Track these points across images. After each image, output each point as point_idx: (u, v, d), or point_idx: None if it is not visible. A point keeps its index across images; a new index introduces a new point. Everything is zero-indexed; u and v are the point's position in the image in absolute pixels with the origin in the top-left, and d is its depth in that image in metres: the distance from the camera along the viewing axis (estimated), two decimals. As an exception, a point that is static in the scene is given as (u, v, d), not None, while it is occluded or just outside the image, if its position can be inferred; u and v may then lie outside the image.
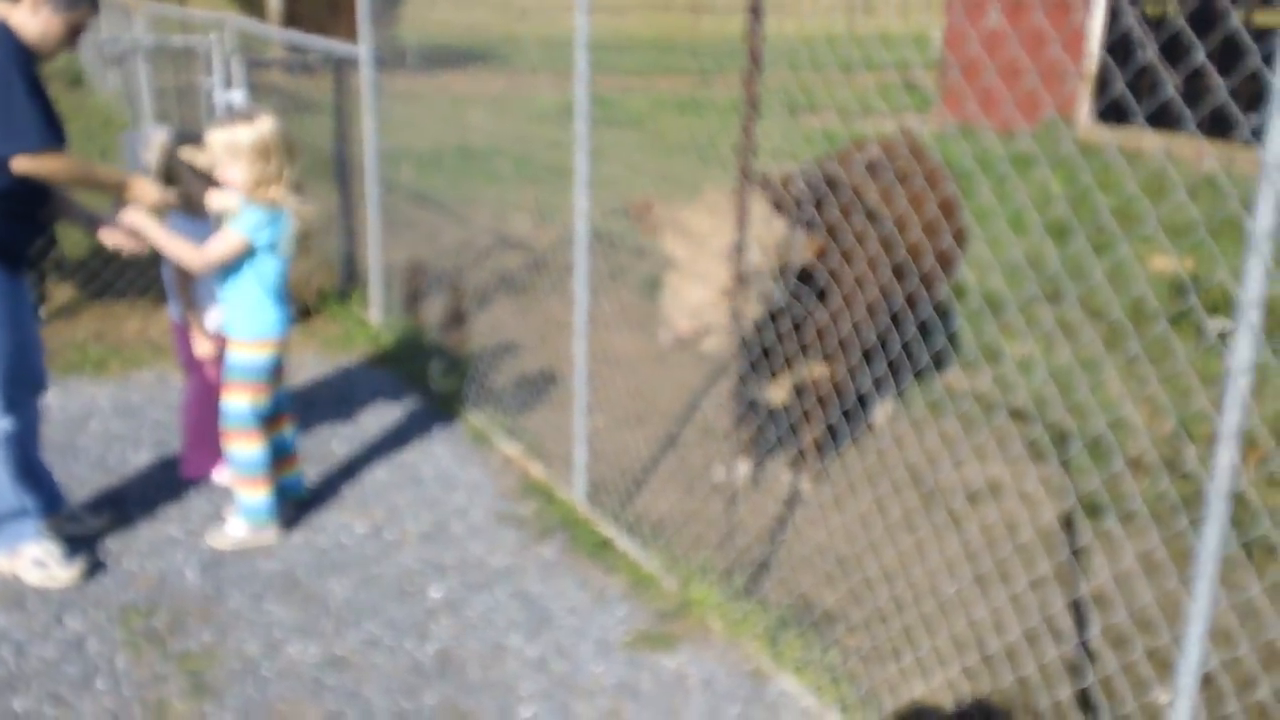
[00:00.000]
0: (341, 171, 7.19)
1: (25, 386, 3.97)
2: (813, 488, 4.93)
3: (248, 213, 4.02)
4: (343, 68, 6.84)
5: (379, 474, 4.98)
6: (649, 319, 5.94)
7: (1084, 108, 12.84)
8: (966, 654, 3.66)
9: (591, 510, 4.63)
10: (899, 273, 4.38)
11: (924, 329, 4.60)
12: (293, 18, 19.10)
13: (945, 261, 4.85)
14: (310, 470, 4.94)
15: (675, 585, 4.07)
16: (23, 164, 3.56)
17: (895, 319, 4.46)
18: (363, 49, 6.23)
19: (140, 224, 4.04)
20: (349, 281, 7.29)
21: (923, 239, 4.44)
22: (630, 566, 4.27)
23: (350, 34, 6.68)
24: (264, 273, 4.11)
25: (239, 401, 4.21)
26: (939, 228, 4.53)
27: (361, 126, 6.49)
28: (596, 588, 4.14)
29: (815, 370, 4.50)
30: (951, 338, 6.27)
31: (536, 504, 4.75)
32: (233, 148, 3.96)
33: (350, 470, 5.00)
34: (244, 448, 4.25)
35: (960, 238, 5.07)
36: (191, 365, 4.68)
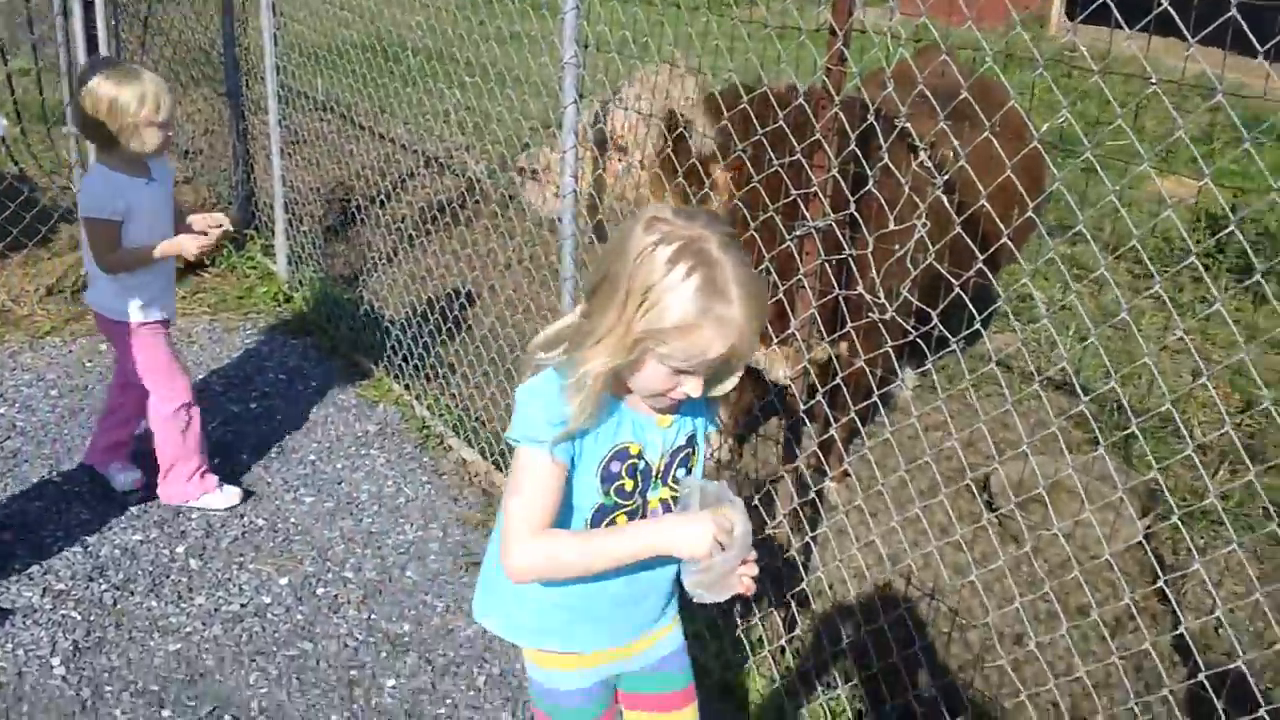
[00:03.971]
0: (233, 80, 5.88)
1: None
2: (841, 491, 4.03)
3: None
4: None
5: (302, 497, 3.91)
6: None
7: (1056, 5, 11.87)
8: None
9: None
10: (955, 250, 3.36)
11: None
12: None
13: (1019, 234, 3.88)
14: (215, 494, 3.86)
15: (713, 662, 3.14)
16: None
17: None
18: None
19: None
20: (248, 221, 6.04)
21: (993, 204, 3.42)
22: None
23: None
24: None
25: None
26: (1016, 189, 3.51)
27: (259, 20, 5.20)
28: (601, 665, 3.19)
29: (839, 347, 3.51)
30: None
31: (508, 534, 3.75)
32: None
33: (264, 494, 3.92)
34: None
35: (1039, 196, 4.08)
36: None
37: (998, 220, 2.64)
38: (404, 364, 4.59)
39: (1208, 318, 5.44)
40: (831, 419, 3.05)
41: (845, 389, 3.09)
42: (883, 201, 2.46)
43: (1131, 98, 8.31)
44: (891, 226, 2.49)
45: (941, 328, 2.61)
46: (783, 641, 3.12)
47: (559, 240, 3.46)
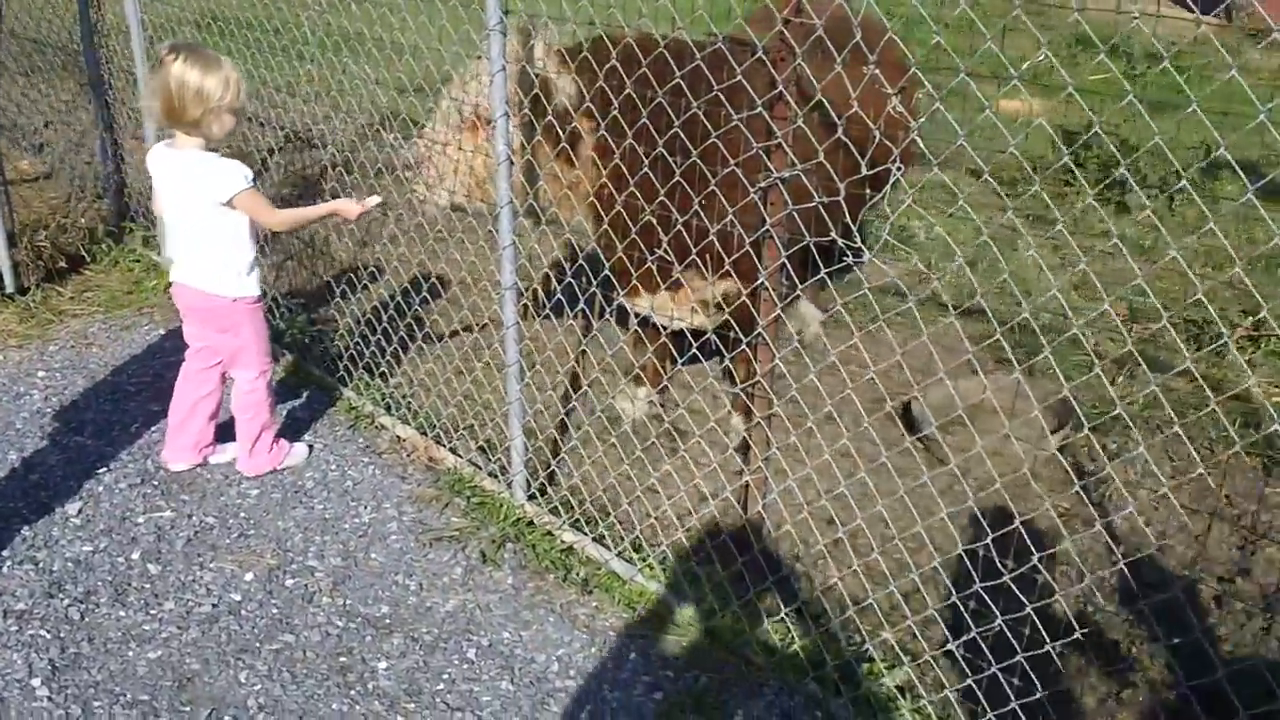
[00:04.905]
0: (95, 70, 5.60)
1: None
2: (770, 431, 4.21)
3: None
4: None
5: (247, 491, 3.87)
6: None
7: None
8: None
9: (536, 506, 3.74)
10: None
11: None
12: None
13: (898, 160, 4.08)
14: (156, 501, 3.78)
15: (684, 609, 3.28)
16: None
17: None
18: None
19: None
20: (123, 213, 5.80)
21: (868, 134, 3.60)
22: (612, 583, 3.44)
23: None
24: None
25: None
26: (889, 123, 3.67)
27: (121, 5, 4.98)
28: (584, 624, 3.30)
29: (720, 286, 3.68)
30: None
31: (463, 506, 3.81)
32: None
33: (207, 491, 3.86)
34: None
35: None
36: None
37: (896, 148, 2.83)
38: (323, 347, 4.54)
39: (1117, 233, 5.81)
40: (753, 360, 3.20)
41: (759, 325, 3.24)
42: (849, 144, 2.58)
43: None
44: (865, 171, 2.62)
45: (850, 257, 2.83)
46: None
47: (496, 207, 3.48)
